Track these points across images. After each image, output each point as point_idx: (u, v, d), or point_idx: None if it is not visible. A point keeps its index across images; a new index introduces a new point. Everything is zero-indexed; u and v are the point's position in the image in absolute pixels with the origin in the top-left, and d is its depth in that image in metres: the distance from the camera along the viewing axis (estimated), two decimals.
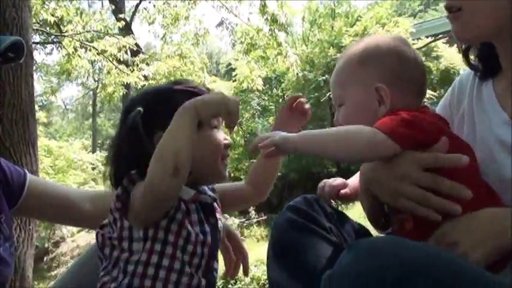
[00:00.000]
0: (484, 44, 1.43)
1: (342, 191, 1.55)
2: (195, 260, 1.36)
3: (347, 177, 1.63)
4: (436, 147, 1.20)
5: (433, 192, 1.18)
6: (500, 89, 1.41)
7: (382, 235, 1.45)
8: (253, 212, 14.58)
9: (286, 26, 11.52)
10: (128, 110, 1.46)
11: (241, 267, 1.76)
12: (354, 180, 1.59)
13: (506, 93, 1.38)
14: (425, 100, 1.46)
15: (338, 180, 1.59)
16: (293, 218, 1.36)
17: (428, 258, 0.94)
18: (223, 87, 11.25)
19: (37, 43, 12.62)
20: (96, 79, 15.92)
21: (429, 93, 9.37)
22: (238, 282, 8.51)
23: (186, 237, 1.34)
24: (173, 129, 1.28)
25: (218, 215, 1.50)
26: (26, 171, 1.77)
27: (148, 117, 1.41)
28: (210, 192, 1.54)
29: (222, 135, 1.50)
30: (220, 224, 1.49)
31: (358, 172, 1.53)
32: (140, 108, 1.42)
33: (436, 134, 1.22)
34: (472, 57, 1.50)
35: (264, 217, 14.51)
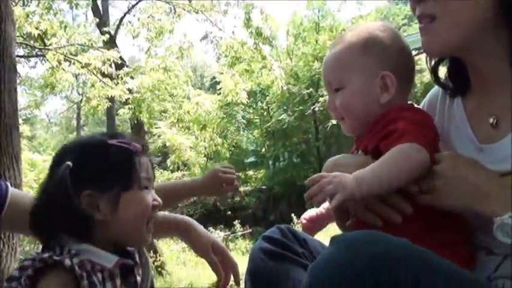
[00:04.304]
0: (453, 60, 1.43)
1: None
2: None
3: None
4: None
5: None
6: (470, 110, 1.39)
7: None
8: (238, 225, 14.55)
9: (270, 40, 11.63)
10: (57, 161, 1.34)
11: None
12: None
13: (476, 115, 1.36)
14: None
15: (310, 212, 1.66)
16: (268, 247, 1.46)
17: (405, 249, 1.02)
18: (207, 101, 11.24)
19: (21, 56, 12.50)
20: (80, 92, 15.78)
21: None
22: None
23: None
24: None
25: (137, 272, 1.41)
26: (8, 184, 1.76)
27: (77, 173, 1.29)
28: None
29: (150, 197, 1.37)
30: (139, 279, 1.40)
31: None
32: (69, 163, 1.29)
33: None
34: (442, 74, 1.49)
35: (249, 230, 14.47)
